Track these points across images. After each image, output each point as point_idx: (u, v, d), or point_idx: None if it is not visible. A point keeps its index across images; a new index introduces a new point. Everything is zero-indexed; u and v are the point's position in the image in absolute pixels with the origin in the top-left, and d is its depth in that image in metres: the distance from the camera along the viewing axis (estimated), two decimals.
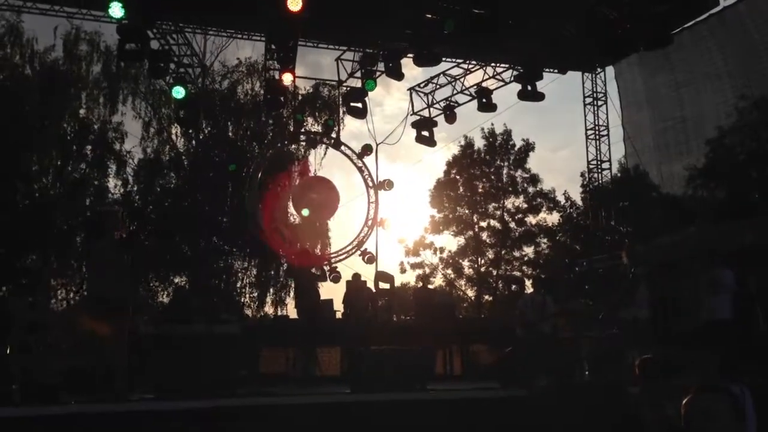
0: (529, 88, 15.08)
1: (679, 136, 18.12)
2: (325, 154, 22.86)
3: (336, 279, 16.50)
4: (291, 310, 22.50)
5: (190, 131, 22.21)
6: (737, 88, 16.62)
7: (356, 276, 13.68)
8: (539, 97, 15.18)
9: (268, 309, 24.76)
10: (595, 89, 19.10)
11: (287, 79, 13.65)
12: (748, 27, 15.71)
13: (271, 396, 7.54)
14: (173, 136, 24.30)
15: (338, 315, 13.11)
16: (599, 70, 19.08)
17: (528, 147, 29.10)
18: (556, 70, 17.52)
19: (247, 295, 24.70)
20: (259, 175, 17.41)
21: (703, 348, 7.13)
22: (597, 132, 19.14)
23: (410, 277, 28.87)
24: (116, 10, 11.40)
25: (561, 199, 28.79)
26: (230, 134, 24.71)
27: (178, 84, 14.14)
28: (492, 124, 28.60)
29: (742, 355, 6.97)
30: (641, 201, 20.12)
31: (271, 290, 25.05)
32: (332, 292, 25.49)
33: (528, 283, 26.06)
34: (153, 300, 23.01)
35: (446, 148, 30.23)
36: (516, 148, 29.11)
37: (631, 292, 8.48)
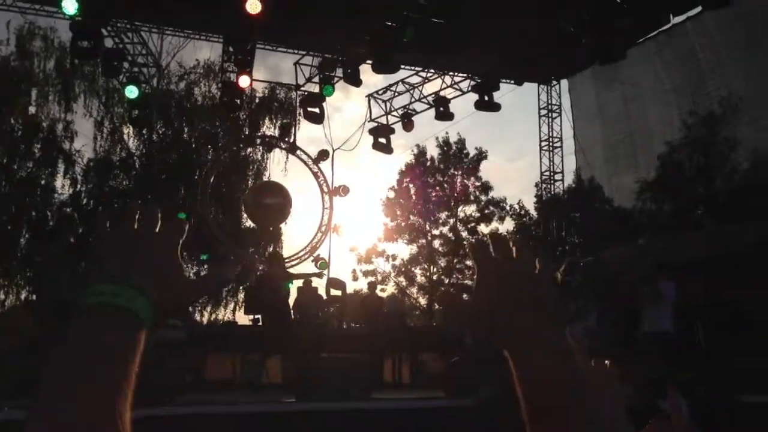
0: (486, 98, 15.25)
1: (627, 150, 18.55)
2: (287, 159, 22.66)
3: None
4: (241, 317, 22.26)
5: (143, 132, 21.83)
6: (682, 104, 17.09)
7: (307, 282, 13.59)
8: (495, 107, 15.35)
9: (221, 314, 24.49)
10: (550, 101, 19.39)
11: (244, 81, 13.53)
12: (693, 46, 16.18)
13: (213, 404, 7.41)
14: (125, 137, 23.86)
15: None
16: (555, 82, 19.37)
17: (481, 156, 29.35)
18: (512, 82, 17.73)
19: (199, 300, 24.34)
20: (212, 178, 17.17)
21: (643, 358, 7.25)
22: (551, 143, 19.43)
23: (363, 284, 28.85)
24: (70, 7, 11.13)
25: (516, 207, 29.11)
26: (185, 136, 24.36)
27: (131, 83, 13.89)
28: (446, 133, 28.79)
29: (679, 366, 7.11)
30: (592, 212, 20.49)
31: (224, 295, 24.77)
32: None
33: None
34: None
35: (404, 156, 30.33)
36: (469, 157, 29.34)
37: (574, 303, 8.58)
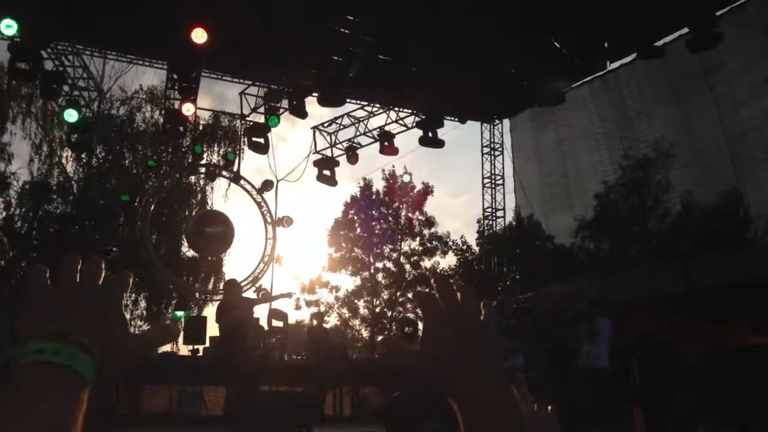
0: (430, 134, 15.47)
1: (561, 190, 19.10)
2: (229, 187, 22.43)
3: None
4: (181, 347, 21.77)
5: (82, 156, 21.36)
6: (612, 148, 17.76)
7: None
8: (439, 144, 15.58)
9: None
10: (492, 139, 19.79)
11: (188, 109, 13.43)
12: (623, 92, 16.89)
13: None
14: (63, 160, 23.30)
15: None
16: (497, 121, 19.81)
17: (427, 190, 29.72)
18: (456, 119, 18.04)
19: (137, 329, 23.75)
20: (152, 206, 16.89)
21: (580, 394, 7.39)
22: (493, 181, 19.81)
23: (305, 315, 28.66)
24: (9, 28, 10.89)
25: (458, 243, 29.50)
26: (126, 162, 23.94)
27: (70, 107, 13.60)
28: (393, 167, 29.07)
29: (615, 402, 7.28)
30: (531, 249, 20.90)
31: (166, 322, 24.23)
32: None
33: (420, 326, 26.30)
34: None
35: (349, 188, 30.45)
36: (415, 191, 29.68)
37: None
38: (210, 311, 23.78)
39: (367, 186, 29.53)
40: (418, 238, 29.51)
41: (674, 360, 8.80)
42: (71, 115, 13.50)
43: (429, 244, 29.46)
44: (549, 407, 1.20)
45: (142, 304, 24.07)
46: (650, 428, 6.63)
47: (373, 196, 29.62)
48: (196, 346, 13.75)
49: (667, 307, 9.61)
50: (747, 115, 14.45)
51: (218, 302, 9.43)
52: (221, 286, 22.32)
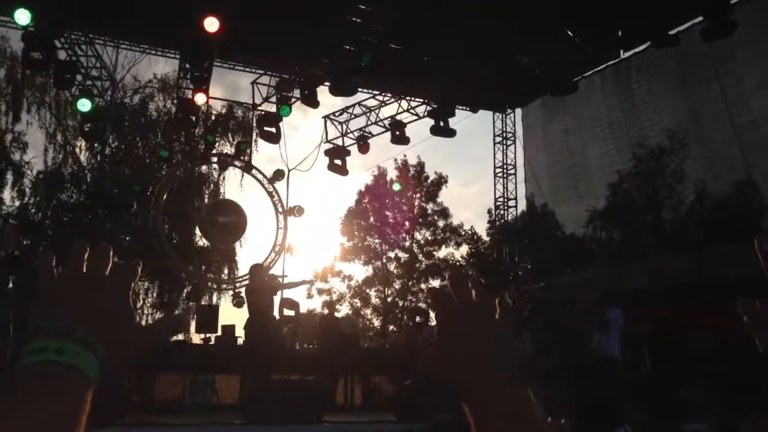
0: (442, 123, 15.42)
1: (569, 180, 19.04)
2: (243, 177, 22.46)
3: (239, 304, 16.18)
4: (193, 335, 21.92)
5: (96, 145, 21.47)
6: (618, 137, 17.66)
7: None
8: (451, 133, 15.53)
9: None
10: (504, 129, 19.72)
11: (200, 99, 13.44)
12: (631, 81, 16.76)
13: (161, 426, 7.29)
14: (77, 150, 23.43)
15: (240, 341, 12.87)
16: (509, 110, 19.73)
17: (441, 180, 29.66)
18: (467, 108, 17.98)
19: (149, 317, 23.92)
20: (165, 195, 16.95)
21: (591, 385, 7.38)
22: (505, 170, 19.74)
23: (317, 304, 28.76)
24: (23, 18, 10.92)
25: (468, 232, 29.46)
26: (138, 151, 24.03)
27: (84, 96, 13.64)
28: (405, 156, 29.04)
29: (627, 393, 7.26)
30: (543, 239, 20.84)
31: (176, 312, 24.39)
32: (235, 317, 24.99)
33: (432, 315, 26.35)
34: None
35: (359, 178, 30.46)
36: (429, 181, 29.63)
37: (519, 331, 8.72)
38: (223, 300, 23.96)
39: (381, 174, 29.54)
40: (431, 228, 29.48)
41: (686, 350, 8.77)
42: (84, 105, 13.56)
43: (442, 235, 29.44)
44: (563, 420, 1.19)
45: (155, 293, 24.24)
46: (661, 418, 6.62)
47: (387, 186, 29.60)
48: (208, 335, 13.84)
49: (680, 297, 9.56)
50: (756, 105, 14.32)
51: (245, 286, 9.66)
52: (234, 275, 22.45)
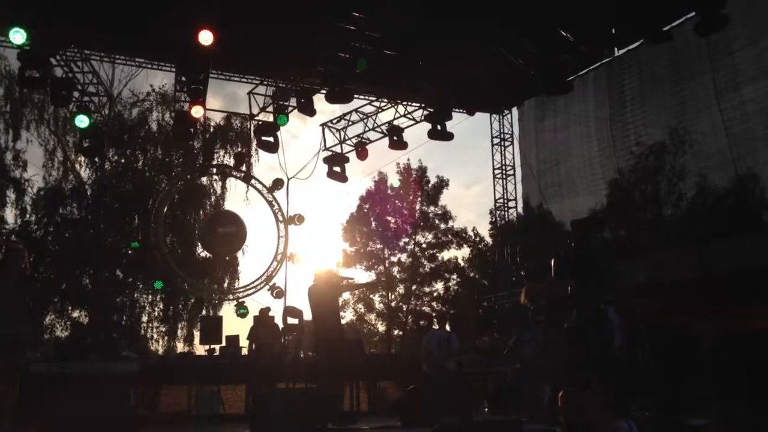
0: (439, 127, 15.45)
1: (554, 179, 19.12)
2: (248, 190, 22.41)
3: (243, 314, 16.24)
4: (198, 347, 21.93)
5: (95, 161, 21.55)
6: (603, 138, 17.73)
7: (264, 310, 13.51)
8: (448, 136, 15.55)
9: (179, 344, 24.13)
10: (502, 130, 19.76)
11: (197, 112, 13.48)
12: (622, 79, 16.81)
13: None
14: (77, 165, 23.50)
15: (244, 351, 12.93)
16: (506, 111, 19.77)
17: (442, 183, 29.72)
18: (464, 111, 18.00)
19: (154, 330, 23.96)
20: (166, 207, 17.02)
21: (595, 381, 7.38)
22: (504, 171, 19.79)
23: None
24: (17, 37, 10.97)
25: (471, 235, 29.51)
26: (138, 165, 24.10)
27: (81, 113, 13.69)
28: (408, 160, 29.09)
29: (627, 389, 7.26)
30: (543, 239, 20.84)
31: (180, 325, 24.46)
32: (239, 327, 25.03)
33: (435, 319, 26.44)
34: (50, 335, 21.95)
35: (360, 184, 30.57)
36: (430, 185, 29.68)
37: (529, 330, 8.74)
38: (226, 311, 23.99)
39: (382, 180, 29.60)
40: (433, 231, 29.52)
41: (687, 345, 8.77)
42: (82, 121, 13.61)
43: (444, 238, 29.48)
44: None
45: (160, 305, 24.27)
46: (664, 412, 6.62)
47: (388, 190, 29.66)
48: (212, 346, 13.86)
49: (681, 292, 9.57)
50: (749, 98, 14.33)
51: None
52: (237, 285, 22.46)
